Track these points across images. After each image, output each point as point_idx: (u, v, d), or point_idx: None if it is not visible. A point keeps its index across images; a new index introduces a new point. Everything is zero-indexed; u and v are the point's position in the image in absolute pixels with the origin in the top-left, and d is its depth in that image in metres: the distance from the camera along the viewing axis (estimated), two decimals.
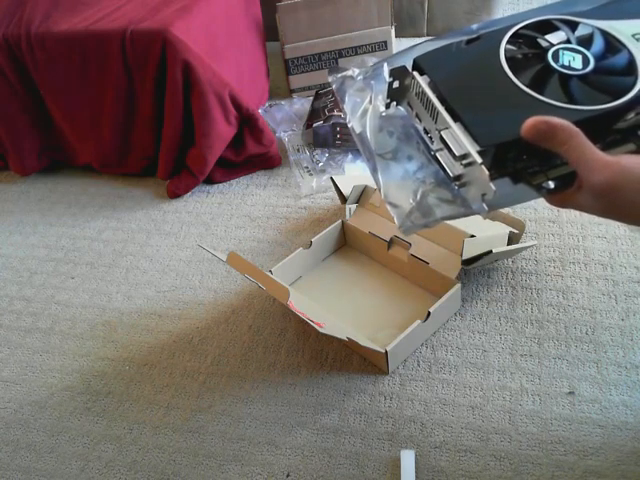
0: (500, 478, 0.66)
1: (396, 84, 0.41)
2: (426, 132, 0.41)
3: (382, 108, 0.43)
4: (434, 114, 0.39)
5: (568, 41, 0.39)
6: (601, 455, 0.66)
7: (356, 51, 1.35)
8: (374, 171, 0.41)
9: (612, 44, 0.39)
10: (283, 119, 1.31)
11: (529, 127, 0.33)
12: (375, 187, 0.39)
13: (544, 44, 0.39)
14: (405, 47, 0.44)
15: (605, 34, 0.39)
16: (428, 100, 0.39)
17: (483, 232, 0.85)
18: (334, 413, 0.75)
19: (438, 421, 0.72)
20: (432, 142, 0.40)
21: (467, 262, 0.82)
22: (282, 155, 1.22)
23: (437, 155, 0.39)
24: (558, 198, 0.37)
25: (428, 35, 1.57)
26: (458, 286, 0.82)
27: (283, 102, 1.37)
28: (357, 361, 0.81)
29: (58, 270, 1.06)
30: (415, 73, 0.41)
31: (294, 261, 0.92)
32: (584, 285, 0.86)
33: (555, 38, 0.40)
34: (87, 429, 0.78)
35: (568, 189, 0.36)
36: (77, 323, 0.94)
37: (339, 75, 0.45)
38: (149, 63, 1.05)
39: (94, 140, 1.21)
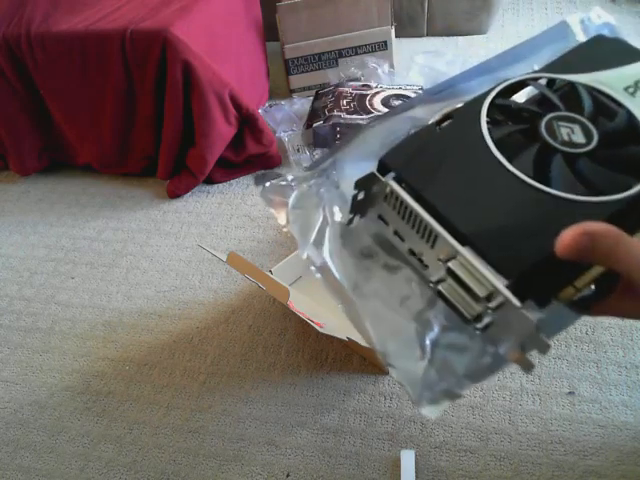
0: (500, 478, 0.66)
1: (362, 195, 0.31)
2: (413, 254, 0.30)
3: (342, 224, 0.32)
4: (429, 236, 0.29)
5: (553, 106, 0.31)
6: (601, 455, 0.66)
7: (356, 51, 1.35)
8: (355, 318, 0.30)
9: (605, 104, 0.31)
10: (283, 119, 1.31)
11: (566, 244, 0.25)
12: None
13: (528, 113, 0.31)
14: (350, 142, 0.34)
15: (594, 92, 0.31)
16: (417, 219, 0.29)
17: None
18: (334, 413, 0.75)
19: (438, 421, 0.72)
20: (425, 267, 0.30)
21: None
22: (282, 155, 1.22)
23: (440, 289, 0.29)
24: (603, 309, 0.29)
25: (428, 35, 1.57)
26: None
27: (283, 102, 1.37)
28: (357, 361, 0.81)
29: (58, 270, 1.06)
30: (392, 183, 0.30)
31: (294, 261, 0.92)
32: None
33: (530, 99, 0.32)
34: (87, 429, 0.78)
35: (611, 296, 0.28)
36: (77, 323, 0.94)
37: (270, 185, 0.33)
38: (149, 63, 1.05)
39: (94, 140, 1.21)
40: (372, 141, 0.33)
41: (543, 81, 0.33)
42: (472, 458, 0.68)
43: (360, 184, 0.31)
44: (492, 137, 0.30)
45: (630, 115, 0.30)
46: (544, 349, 0.26)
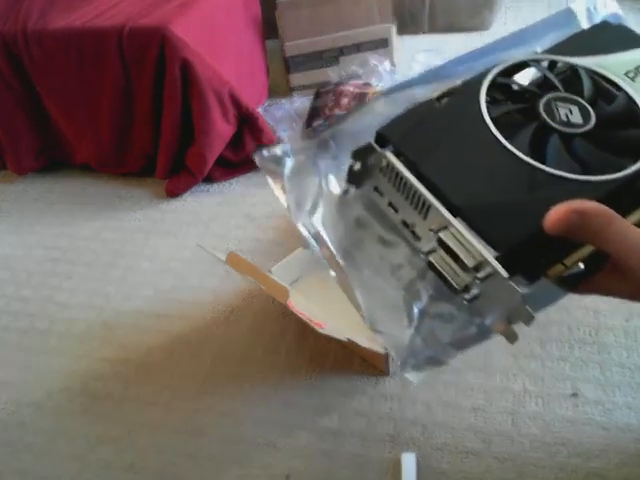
0: None
1: (358, 166, 0.31)
2: (406, 225, 0.31)
3: (338, 195, 0.33)
4: (422, 207, 0.29)
5: (552, 87, 0.31)
6: (604, 457, 0.65)
7: (357, 49, 1.34)
8: (346, 286, 0.30)
9: (605, 88, 0.31)
10: (283, 118, 1.30)
11: (555, 221, 0.25)
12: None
13: (528, 93, 0.32)
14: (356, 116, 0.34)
15: (594, 75, 0.32)
16: (412, 190, 0.29)
17: None
18: (334, 414, 0.74)
19: (440, 423, 0.71)
20: (417, 238, 0.30)
21: None
22: None
23: (430, 259, 0.29)
24: (591, 287, 0.30)
25: (430, 32, 1.56)
26: None
27: (283, 101, 1.36)
28: (357, 362, 0.80)
29: (56, 270, 1.05)
30: (389, 154, 0.30)
31: (294, 261, 0.91)
32: None
33: (533, 79, 0.33)
34: (85, 431, 0.78)
35: (599, 275, 0.29)
36: (75, 324, 0.94)
37: (267, 155, 0.33)
38: (147, 61, 1.05)
39: (92, 138, 1.20)
40: (372, 115, 0.33)
41: (545, 63, 0.33)
42: (474, 460, 0.67)
43: (357, 155, 0.31)
44: (490, 115, 0.30)
45: (629, 99, 0.31)
46: (528, 320, 0.26)
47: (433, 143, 0.30)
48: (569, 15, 0.35)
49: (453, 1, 1.50)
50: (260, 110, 1.31)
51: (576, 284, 0.29)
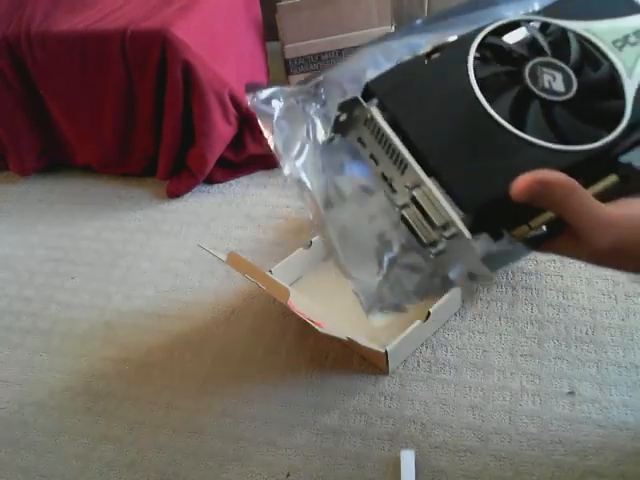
0: (500, 478, 0.66)
1: (344, 117, 0.32)
2: (384, 178, 0.31)
3: (323, 141, 0.33)
4: (400, 163, 0.30)
5: (540, 50, 0.32)
6: (601, 455, 0.66)
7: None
8: (324, 231, 0.31)
9: (592, 55, 0.32)
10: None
11: (521, 189, 0.27)
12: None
13: (516, 55, 0.32)
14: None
15: (583, 41, 0.32)
16: (391, 146, 0.30)
17: None
18: (334, 413, 0.75)
19: (438, 421, 0.72)
20: (394, 192, 0.31)
21: None
22: None
23: (403, 213, 0.30)
24: (551, 248, 0.32)
25: None
26: None
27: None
28: (357, 361, 0.81)
29: (58, 270, 1.05)
30: (373, 109, 0.31)
31: (294, 261, 0.92)
32: (584, 285, 0.86)
33: (523, 41, 0.33)
34: (87, 429, 0.78)
35: (559, 237, 0.31)
36: (77, 323, 0.94)
37: (260, 96, 0.33)
38: (149, 63, 1.05)
39: (94, 140, 1.20)
40: (363, 63, 0.33)
41: (537, 24, 0.33)
42: (472, 458, 0.68)
43: (343, 107, 0.32)
44: (477, 76, 0.31)
45: (612, 69, 0.31)
46: (487, 280, 0.29)
47: (417, 100, 0.31)
48: None
49: (451, 4, 1.51)
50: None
51: (539, 244, 0.31)
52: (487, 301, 0.86)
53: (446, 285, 0.30)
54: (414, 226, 0.30)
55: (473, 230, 0.29)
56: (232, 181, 1.20)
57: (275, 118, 0.33)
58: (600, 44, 0.32)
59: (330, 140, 0.33)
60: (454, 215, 0.28)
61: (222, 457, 0.72)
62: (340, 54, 1.36)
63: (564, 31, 0.32)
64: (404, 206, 0.30)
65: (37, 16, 1.13)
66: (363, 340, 0.76)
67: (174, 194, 1.18)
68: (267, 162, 1.20)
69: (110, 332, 0.92)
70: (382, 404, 0.75)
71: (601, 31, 0.32)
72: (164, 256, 1.04)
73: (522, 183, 0.27)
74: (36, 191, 1.27)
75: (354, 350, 0.82)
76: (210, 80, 1.07)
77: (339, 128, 0.33)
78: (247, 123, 1.15)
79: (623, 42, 0.32)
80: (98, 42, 1.07)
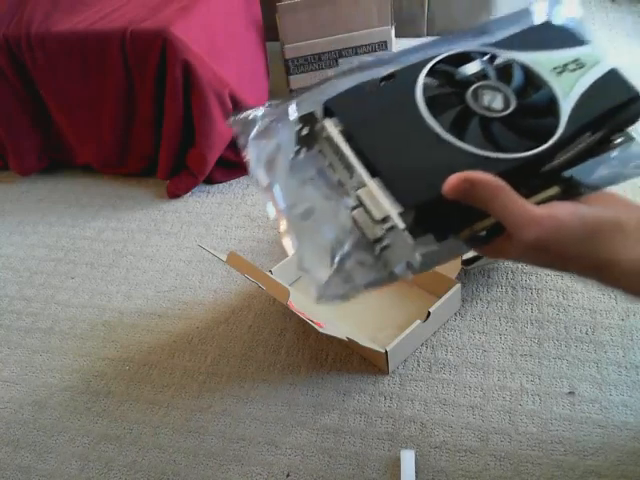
0: (500, 478, 0.66)
1: (305, 130, 0.36)
2: (341, 185, 0.35)
3: (291, 155, 0.37)
4: (349, 168, 0.34)
5: (486, 76, 0.35)
6: (601, 455, 0.66)
7: (356, 51, 1.35)
8: (286, 230, 0.35)
9: (532, 80, 0.35)
10: None
11: (451, 186, 0.30)
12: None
13: (462, 80, 0.35)
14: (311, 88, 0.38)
15: (525, 68, 0.35)
16: (342, 152, 0.34)
17: None
18: (334, 413, 0.75)
19: (438, 421, 0.72)
20: (347, 195, 0.35)
21: (467, 262, 0.82)
22: None
23: (353, 214, 0.34)
24: (490, 250, 0.34)
25: (428, 35, 1.57)
26: (458, 286, 0.82)
27: None
28: (357, 361, 0.81)
29: (58, 270, 1.06)
30: (326, 121, 0.35)
31: (294, 261, 0.92)
32: (584, 285, 0.86)
33: (472, 69, 0.36)
34: (87, 429, 0.78)
35: (497, 239, 0.33)
36: (77, 323, 0.94)
37: (239, 117, 0.38)
38: (149, 63, 1.05)
39: (94, 140, 1.21)
40: (331, 90, 0.37)
41: (486, 55, 0.37)
42: (472, 458, 0.68)
43: (302, 120, 0.36)
44: (425, 95, 0.34)
45: (550, 91, 0.34)
46: (419, 270, 0.32)
47: (369, 115, 0.35)
48: (527, 13, 0.39)
49: (451, 4, 1.51)
50: None
51: (481, 245, 0.35)
52: (487, 301, 0.86)
53: (392, 278, 0.33)
54: (361, 225, 0.33)
55: (416, 230, 0.32)
56: (232, 181, 1.20)
57: (251, 136, 0.37)
58: (540, 70, 0.35)
59: (297, 153, 0.37)
60: (391, 209, 0.32)
61: (222, 457, 0.72)
62: (340, 54, 1.37)
63: (509, 61, 0.36)
64: (354, 207, 0.34)
65: (37, 16, 1.13)
66: (363, 340, 0.76)
67: (174, 194, 1.18)
68: None
69: (110, 332, 0.92)
70: (382, 404, 0.75)
71: (543, 60, 0.36)
72: (164, 256, 1.05)
73: (452, 181, 0.30)
74: (36, 191, 1.27)
75: (354, 350, 0.82)
76: (210, 80, 1.07)
77: (303, 141, 0.36)
78: None
79: (562, 69, 0.35)
80: (98, 42, 1.07)
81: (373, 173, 0.33)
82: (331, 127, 0.35)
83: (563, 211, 0.31)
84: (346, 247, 0.34)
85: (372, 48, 1.35)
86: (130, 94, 1.11)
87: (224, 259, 0.79)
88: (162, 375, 0.84)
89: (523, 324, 0.82)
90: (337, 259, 0.33)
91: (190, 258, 1.03)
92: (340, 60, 1.37)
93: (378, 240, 0.33)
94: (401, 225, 0.31)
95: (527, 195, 0.32)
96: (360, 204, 0.33)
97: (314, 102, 0.37)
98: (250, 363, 0.83)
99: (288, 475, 0.70)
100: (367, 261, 0.33)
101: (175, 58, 1.03)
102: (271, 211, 0.36)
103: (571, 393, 0.73)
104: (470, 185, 0.30)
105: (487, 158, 0.32)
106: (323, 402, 0.76)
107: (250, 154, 0.37)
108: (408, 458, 0.68)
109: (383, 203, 0.32)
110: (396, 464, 0.68)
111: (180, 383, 0.82)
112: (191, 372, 0.83)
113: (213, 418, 0.77)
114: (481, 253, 0.36)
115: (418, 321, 0.77)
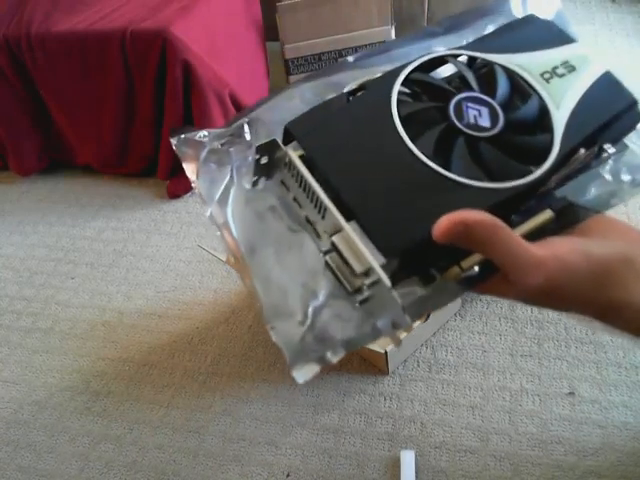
0: (500, 478, 0.66)
1: (264, 159, 0.31)
2: (309, 221, 0.30)
3: (248, 186, 0.32)
4: (320, 208, 0.29)
5: (468, 85, 0.30)
6: (601, 455, 0.66)
7: (356, 51, 1.35)
8: (247, 278, 0.30)
9: (520, 88, 0.30)
10: None
11: (442, 230, 0.26)
12: None
13: (441, 91, 0.30)
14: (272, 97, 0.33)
15: (510, 74, 0.31)
16: (311, 190, 0.29)
17: None
18: (334, 413, 0.75)
19: (438, 421, 0.72)
20: (318, 237, 0.29)
21: None
22: None
23: (327, 260, 0.29)
24: (486, 289, 0.30)
25: None
26: None
27: None
28: (357, 361, 0.81)
29: (58, 270, 1.06)
30: (291, 152, 0.30)
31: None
32: None
33: (451, 77, 0.32)
34: (87, 429, 0.78)
35: (493, 279, 0.29)
36: (77, 323, 0.94)
37: (184, 137, 0.32)
38: (149, 63, 1.05)
39: (94, 140, 1.21)
40: (289, 103, 0.32)
41: (464, 58, 0.32)
42: (472, 458, 0.68)
43: (262, 149, 0.30)
44: (400, 113, 0.29)
45: (540, 102, 0.30)
46: (409, 329, 0.29)
47: (338, 141, 0.29)
48: (503, 3, 0.35)
49: (451, 4, 1.51)
50: None
51: (473, 285, 0.29)
52: (487, 301, 0.86)
53: (375, 334, 0.28)
54: (337, 273, 0.28)
55: (400, 274, 0.27)
56: None
57: (200, 161, 0.32)
58: (527, 77, 0.30)
59: (254, 183, 0.32)
60: (373, 262, 0.27)
61: (222, 457, 0.72)
62: (340, 54, 1.37)
63: (491, 65, 0.31)
64: (328, 251, 0.29)
65: (37, 16, 1.13)
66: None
67: (174, 194, 1.18)
68: None
69: (110, 332, 0.92)
70: (382, 404, 0.75)
71: (529, 63, 0.31)
72: (164, 256, 1.05)
73: (444, 224, 0.26)
74: (37, 191, 1.27)
75: (354, 350, 0.82)
76: (210, 80, 1.07)
77: (261, 171, 0.31)
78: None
79: (551, 74, 0.31)
80: (98, 42, 1.07)
81: (347, 214, 0.28)
82: (298, 160, 0.30)
83: (565, 249, 0.28)
84: (320, 297, 0.29)
85: (372, 48, 1.35)
86: (130, 94, 1.11)
87: (224, 259, 0.79)
88: (162, 375, 0.84)
89: (523, 324, 0.82)
90: (311, 311, 0.28)
91: (190, 258, 1.03)
92: (340, 60, 1.37)
93: (357, 290, 0.28)
94: (388, 283, 0.26)
95: (519, 223, 0.28)
96: (335, 249, 0.28)
97: (269, 122, 0.32)
98: (250, 363, 0.83)
99: (288, 475, 0.70)
100: (345, 313, 0.28)
101: (175, 58, 1.03)
102: (227, 252, 0.32)
103: (571, 393, 0.73)
104: (465, 228, 0.26)
105: (479, 189, 0.28)
106: (323, 402, 0.76)
107: (200, 182, 0.31)
108: (408, 458, 0.68)
109: (364, 254, 0.27)
110: (396, 464, 0.68)
111: (180, 383, 0.82)
112: (191, 372, 0.83)
113: (213, 418, 0.77)
114: (476, 293, 0.31)
115: (418, 321, 0.77)
